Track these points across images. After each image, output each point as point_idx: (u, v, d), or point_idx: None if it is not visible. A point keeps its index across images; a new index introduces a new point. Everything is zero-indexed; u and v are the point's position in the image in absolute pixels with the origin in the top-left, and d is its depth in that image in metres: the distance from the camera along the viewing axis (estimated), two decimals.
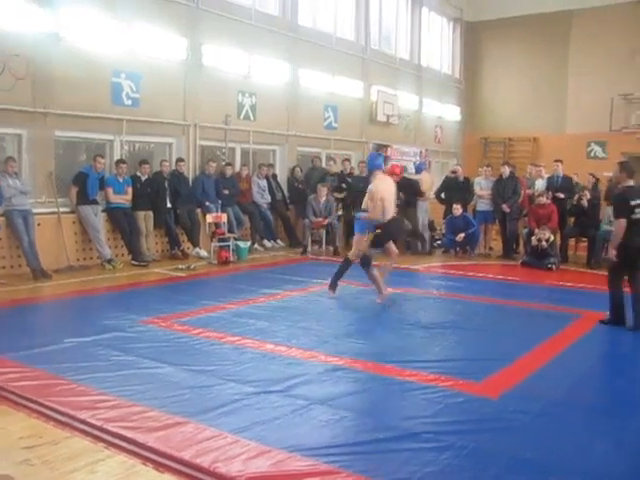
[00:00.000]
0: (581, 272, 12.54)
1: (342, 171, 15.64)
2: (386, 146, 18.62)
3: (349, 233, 15.54)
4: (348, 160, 16.09)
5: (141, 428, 4.42)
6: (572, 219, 13.88)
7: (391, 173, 9.87)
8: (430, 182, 15.55)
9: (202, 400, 5.00)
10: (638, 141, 20.11)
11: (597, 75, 20.63)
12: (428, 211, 15.34)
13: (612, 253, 7.92)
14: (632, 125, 20.09)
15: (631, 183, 8.08)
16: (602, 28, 20.49)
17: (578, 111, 21.19)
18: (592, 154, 21.21)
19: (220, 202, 13.11)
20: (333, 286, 9.41)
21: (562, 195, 13.86)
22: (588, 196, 13.56)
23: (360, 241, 9.22)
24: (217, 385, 5.35)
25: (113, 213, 11.69)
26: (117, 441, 4.27)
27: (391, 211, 8.93)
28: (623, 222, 7.75)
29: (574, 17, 21.29)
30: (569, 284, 11.16)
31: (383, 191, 8.76)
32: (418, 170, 16.06)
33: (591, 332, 7.77)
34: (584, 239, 13.98)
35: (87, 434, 4.38)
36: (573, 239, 14.26)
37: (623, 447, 4.46)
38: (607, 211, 13.53)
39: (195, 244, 12.91)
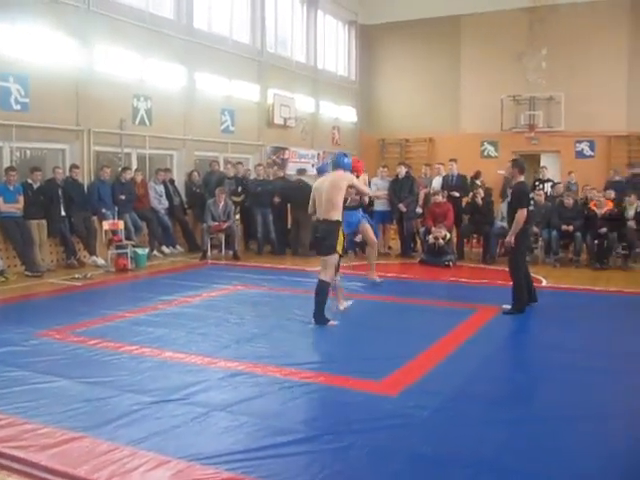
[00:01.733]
0: (477, 268, 12.93)
1: (236, 174, 15.57)
2: (283, 149, 18.74)
3: (247, 237, 15.59)
4: (241, 163, 16.01)
5: (34, 446, 4.28)
6: (467, 217, 14.27)
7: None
8: None
9: (99, 413, 4.90)
10: (527, 140, 20.92)
11: (488, 77, 21.37)
12: None
13: (511, 240, 8.60)
14: (521, 125, 20.86)
15: (522, 179, 8.88)
16: (490, 32, 21.27)
17: (471, 112, 21.87)
18: (485, 153, 21.93)
19: (116, 209, 12.85)
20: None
21: (457, 193, 14.26)
22: (482, 194, 13.98)
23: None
24: (114, 396, 5.25)
25: (4, 223, 11.28)
26: (8, 462, 4.11)
27: (321, 211, 8.11)
28: (525, 212, 8.52)
29: (463, 21, 21.97)
30: (465, 280, 11.48)
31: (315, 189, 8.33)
32: (320, 172, 16.08)
33: (486, 326, 8.03)
34: (479, 236, 14.40)
35: None
36: (469, 236, 14.68)
37: (518, 437, 4.61)
38: (501, 208, 13.99)
39: (92, 252, 12.59)
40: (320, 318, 7.84)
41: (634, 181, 15.24)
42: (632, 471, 4.09)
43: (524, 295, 8.70)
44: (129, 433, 4.50)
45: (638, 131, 19.77)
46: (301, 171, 15.56)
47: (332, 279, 8.10)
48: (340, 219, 7.99)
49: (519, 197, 8.74)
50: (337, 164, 8.40)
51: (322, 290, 7.89)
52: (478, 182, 15.33)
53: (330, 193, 7.92)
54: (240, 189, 15.12)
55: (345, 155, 8.59)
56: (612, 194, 13.67)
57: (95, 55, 13.02)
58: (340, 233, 8.02)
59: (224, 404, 5.09)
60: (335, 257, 8.00)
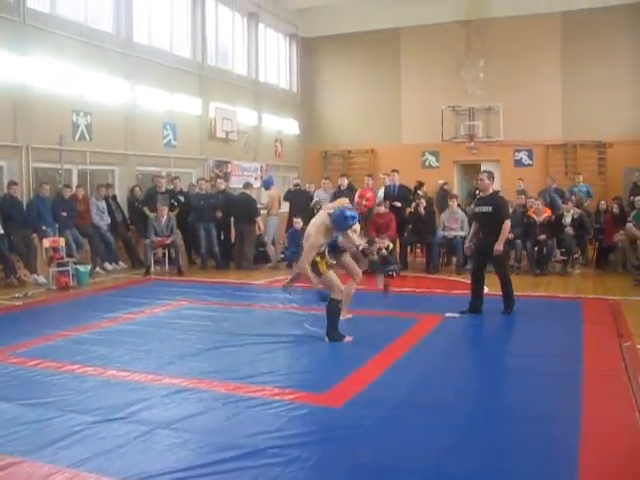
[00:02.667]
0: (420, 277, 13.08)
1: (173, 188, 15.49)
2: (226, 163, 18.70)
3: (191, 251, 15.52)
4: (178, 178, 15.95)
5: None
6: (410, 226, 14.42)
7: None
8: (278, 199, 15.76)
9: (40, 435, 4.80)
10: (467, 150, 21.28)
11: (428, 88, 21.69)
12: (278, 226, 15.57)
13: (499, 248, 9.02)
14: (461, 135, 21.22)
15: (492, 190, 9.42)
16: (429, 44, 21.62)
17: (412, 122, 22.12)
18: (427, 163, 22.19)
19: (57, 226, 12.65)
20: None
21: (399, 204, 14.39)
22: (424, 204, 14.15)
23: None
24: (56, 417, 5.15)
25: None
26: None
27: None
28: (509, 221, 9.22)
29: (402, 34, 22.27)
30: (409, 290, 11.60)
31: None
32: (267, 186, 16.12)
33: (429, 334, 8.14)
34: (422, 245, 14.59)
35: None
36: (412, 245, 14.86)
37: (463, 442, 4.69)
38: (441, 218, 14.19)
39: (32, 271, 12.35)
40: (334, 335, 7.67)
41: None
42: (571, 472, 4.18)
43: (513, 294, 9.24)
44: (71, 455, 4.43)
45: (573, 139, 20.31)
46: (247, 185, 15.58)
47: (342, 295, 7.85)
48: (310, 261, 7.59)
49: (504, 208, 9.30)
50: (338, 224, 7.62)
51: (332, 309, 7.71)
52: (420, 192, 15.51)
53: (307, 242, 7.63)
54: (175, 203, 15.00)
55: (345, 215, 7.51)
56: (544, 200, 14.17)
57: (32, 70, 12.80)
58: (317, 260, 7.64)
59: (168, 421, 5.06)
60: (328, 276, 7.72)
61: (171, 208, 14.74)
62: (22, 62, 12.59)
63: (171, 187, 15.54)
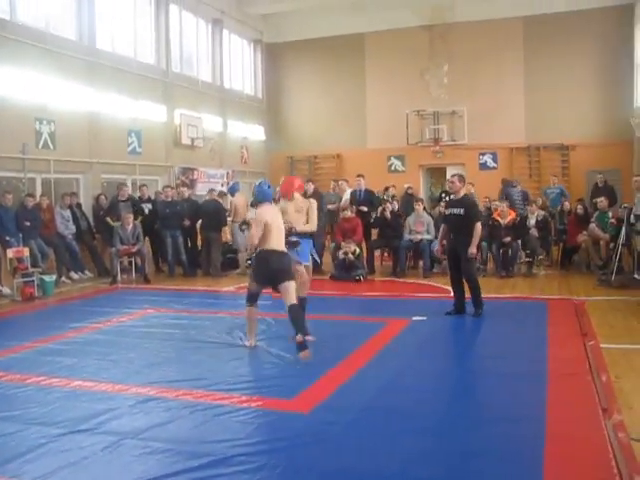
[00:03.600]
0: (387, 281, 13.12)
1: (141, 196, 15.41)
2: (192, 170, 18.62)
3: (158, 259, 15.41)
4: (146, 186, 15.84)
5: None
6: (376, 231, 14.47)
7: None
8: (245, 205, 15.70)
9: (3, 449, 4.75)
10: (432, 154, 21.42)
11: (393, 92, 21.80)
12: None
13: (474, 251, 9.22)
14: (426, 139, 21.35)
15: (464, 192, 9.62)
16: (394, 49, 21.74)
17: (377, 127, 22.22)
18: (392, 168, 22.30)
19: (21, 235, 12.49)
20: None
21: (365, 208, 14.42)
22: (390, 208, 14.21)
23: None
24: (20, 431, 5.09)
25: None
26: None
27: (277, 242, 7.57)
28: (480, 224, 9.37)
29: (366, 39, 22.40)
30: (376, 294, 11.63)
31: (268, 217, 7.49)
32: (232, 191, 16.08)
33: (397, 338, 8.18)
34: (389, 249, 14.65)
35: None
36: (379, 250, 14.90)
37: (430, 445, 4.71)
38: (408, 221, 14.24)
39: None
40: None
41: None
42: (537, 472, 4.23)
43: (481, 296, 9.36)
44: (35, 468, 4.39)
45: (536, 142, 20.58)
46: (221, 193, 15.56)
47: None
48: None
49: (475, 210, 9.55)
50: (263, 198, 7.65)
51: (296, 314, 7.30)
52: (385, 196, 15.58)
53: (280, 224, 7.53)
54: (138, 210, 14.85)
55: (260, 185, 7.75)
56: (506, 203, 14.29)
57: None
58: None
59: (135, 431, 5.03)
60: (293, 283, 7.44)
61: (135, 216, 14.62)
62: None
63: (138, 195, 15.44)
